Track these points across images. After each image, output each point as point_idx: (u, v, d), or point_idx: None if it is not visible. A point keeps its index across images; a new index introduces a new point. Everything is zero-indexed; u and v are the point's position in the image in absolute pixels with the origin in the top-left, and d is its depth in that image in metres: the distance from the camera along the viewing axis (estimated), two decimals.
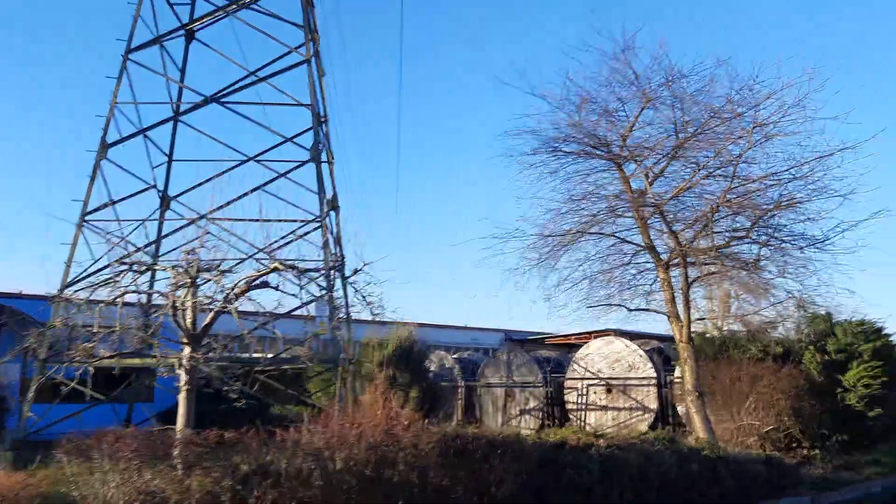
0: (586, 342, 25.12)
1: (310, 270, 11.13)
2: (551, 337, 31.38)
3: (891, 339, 16.58)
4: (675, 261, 14.89)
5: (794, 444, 16.92)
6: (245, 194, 16.50)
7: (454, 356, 31.57)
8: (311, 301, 14.16)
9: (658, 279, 15.11)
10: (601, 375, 24.19)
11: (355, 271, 11.75)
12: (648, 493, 10.15)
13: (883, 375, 15.51)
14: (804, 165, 12.95)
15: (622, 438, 11.08)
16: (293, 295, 10.82)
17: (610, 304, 15.17)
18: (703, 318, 15.01)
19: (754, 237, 14.44)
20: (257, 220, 12.94)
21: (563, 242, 15.24)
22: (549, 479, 9.33)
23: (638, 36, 17.29)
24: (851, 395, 15.57)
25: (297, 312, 13.99)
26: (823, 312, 17.00)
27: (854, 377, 15.57)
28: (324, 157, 19.38)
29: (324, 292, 15.00)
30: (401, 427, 8.47)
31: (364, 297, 11.90)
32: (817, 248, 14.63)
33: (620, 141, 14.86)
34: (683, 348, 14.90)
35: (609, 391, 23.82)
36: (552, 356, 27.88)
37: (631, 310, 15.33)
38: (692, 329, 16.44)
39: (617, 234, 15.20)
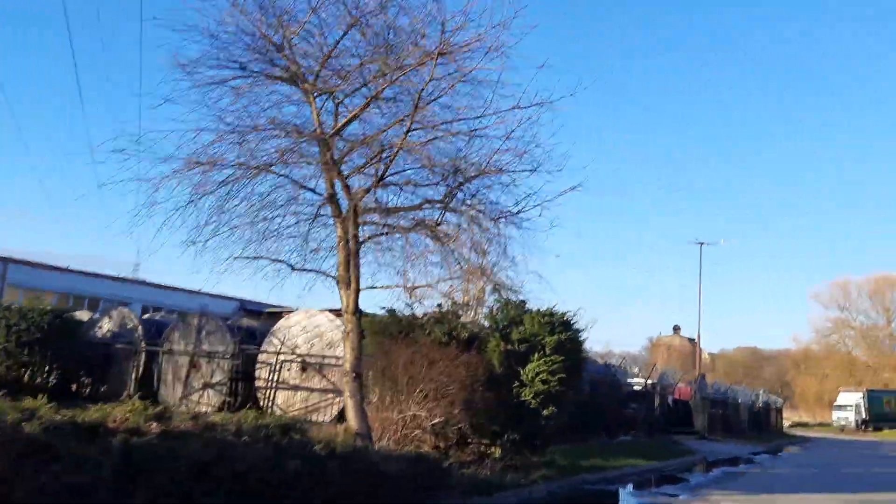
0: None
1: None
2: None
3: (579, 334, 15.58)
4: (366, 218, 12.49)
5: (469, 441, 15.42)
6: None
7: (145, 316, 27.20)
8: None
9: (337, 237, 12.58)
10: (298, 351, 21.54)
11: None
12: (210, 498, 7.36)
13: (563, 372, 14.33)
14: (493, 116, 11.05)
15: (196, 423, 8.18)
16: None
17: (272, 260, 12.34)
18: (374, 287, 12.76)
19: (444, 199, 12.48)
20: None
21: (229, 179, 12.10)
22: (27, 480, 6.14)
23: None
24: (528, 390, 14.21)
25: None
26: (519, 298, 15.64)
27: (533, 371, 14.23)
28: None
29: None
30: None
31: None
32: (510, 220, 13.03)
33: (317, 67, 12.04)
34: (348, 320, 12.50)
35: (304, 369, 21.19)
36: (256, 325, 24.75)
37: (294, 269, 12.64)
38: (386, 306, 14.38)
39: (291, 177, 12.39)
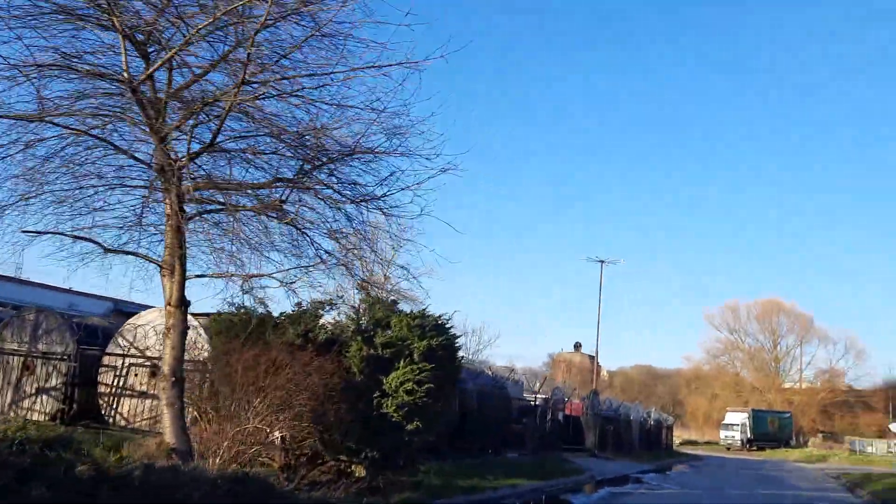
0: None
1: None
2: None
3: (455, 340, 13.97)
4: (198, 194, 10.43)
5: (325, 459, 13.52)
6: None
7: None
8: None
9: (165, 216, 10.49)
10: (149, 354, 19.05)
11: None
12: None
13: (433, 382, 12.64)
14: (353, 83, 9.34)
15: None
16: None
17: (75, 237, 10.09)
18: (205, 276, 10.73)
19: (297, 176, 10.63)
20: None
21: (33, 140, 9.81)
22: None
23: None
24: (390, 401, 12.43)
25: None
26: (391, 299, 13.94)
27: (397, 380, 12.46)
28: None
29: None
30: None
31: None
32: (374, 204, 11.31)
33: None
34: (170, 313, 10.42)
35: (154, 374, 18.69)
36: (107, 325, 22.01)
37: (108, 250, 10.44)
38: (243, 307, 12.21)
39: (112, 141, 10.21)
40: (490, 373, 26.75)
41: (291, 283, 10.98)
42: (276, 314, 13.95)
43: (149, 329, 19.29)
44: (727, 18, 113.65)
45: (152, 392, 18.41)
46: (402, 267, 11.87)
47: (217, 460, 11.60)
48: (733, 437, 72.23)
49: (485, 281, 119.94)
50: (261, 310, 13.76)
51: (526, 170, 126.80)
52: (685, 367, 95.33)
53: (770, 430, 72.04)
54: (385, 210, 11.57)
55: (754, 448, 69.03)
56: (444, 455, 20.00)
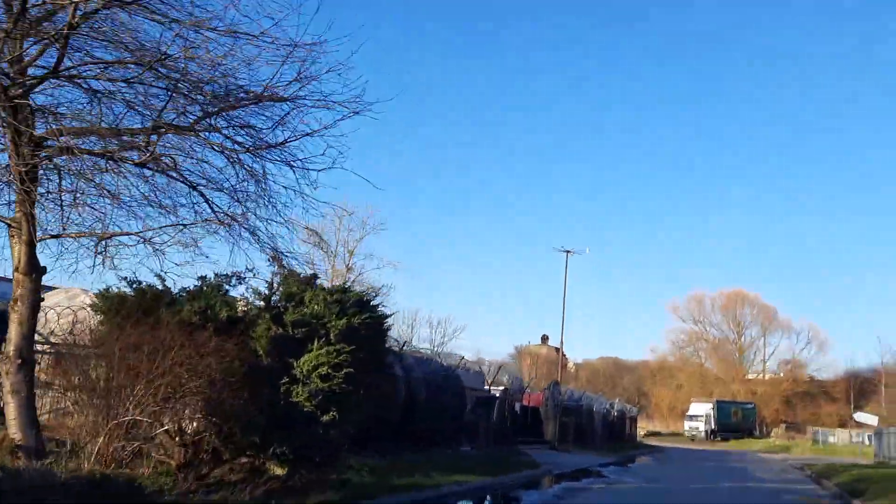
0: None
1: None
2: None
3: (384, 320, 12.26)
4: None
5: (233, 456, 11.73)
6: None
7: None
8: None
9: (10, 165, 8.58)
10: (53, 340, 17.03)
11: None
12: None
13: (353, 366, 10.92)
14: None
15: None
16: None
17: None
18: (60, 235, 8.82)
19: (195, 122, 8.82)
20: None
21: None
22: None
23: None
24: (301, 388, 10.67)
25: None
26: (307, 272, 12.16)
27: (309, 364, 10.70)
28: None
29: None
30: None
31: None
32: (274, 154, 9.55)
33: None
34: (18, 282, 8.56)
35: (59, 363, 16.66)
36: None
37: None
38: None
39: None
40: (440, 360, 25.06)
41: (163, 245, 9.13)
42: (179, 291, 12.12)
43: (51, 314, 17.30)
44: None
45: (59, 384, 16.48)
46: (312, 231, 10.17)
47: (91, 459, 9.80)
48: (697, 428, 71.83)
49: (452, 275, 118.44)
50: (159, 285, 11.94)
51: (489, 160, 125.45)
52: (651, 359, 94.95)
53: (734, 421, 71.73)
54: (291, 162, 9.84)
55: (718, 439, 68.62)
56: (385, 450, 18.30)
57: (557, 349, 73.44)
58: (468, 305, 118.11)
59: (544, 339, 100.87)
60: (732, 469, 32.43)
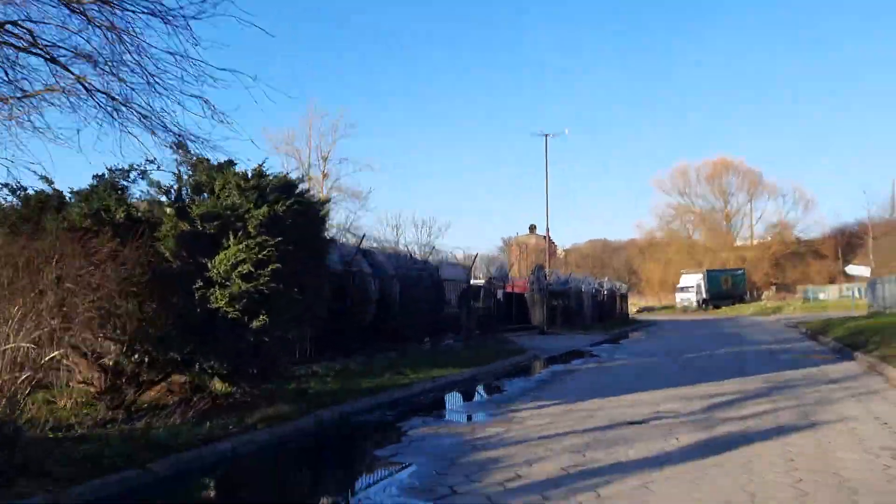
0: None
1: None
2: None
3: (317, 207, 10.46)
4: None
5: (162, 374, 10.23)
6: None
7: None
8: None
9: None
10: None
11: None
12: None
13: (283, 261, 9.22)
14: None
15: None
16: None
17: None
18: None
19: None
20: None
21: None
22: None
23: None
24: (219, 292, 9.02)
25: None
26: (221, 159, 10.24)
27: (226, 262, 9.00)
28: None
29: None
30: None
31: None
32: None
33: None
34: None
35: None
36: None
37: None
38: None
39: None
40: (414, 253, 23.53)
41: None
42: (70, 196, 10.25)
43: None
44: None
45: None
46: (200, 99, 8.23)
47: None
48: (689, 298, 72.00)
49: (435, 176, 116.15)
50: (46, 188, 10.06)
51: (461, 41, 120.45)
52: (638, 237, 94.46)
53: (724, 289, 71.86)
54: (159, 12, 7.77)
55: (710, 307, 68.86)
56: (356, 352, 17.01)
57: (545, 237, 72.44)
58: (454, 202, 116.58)
59: (532, 228, 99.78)
60: (727, 335, 31.81)
